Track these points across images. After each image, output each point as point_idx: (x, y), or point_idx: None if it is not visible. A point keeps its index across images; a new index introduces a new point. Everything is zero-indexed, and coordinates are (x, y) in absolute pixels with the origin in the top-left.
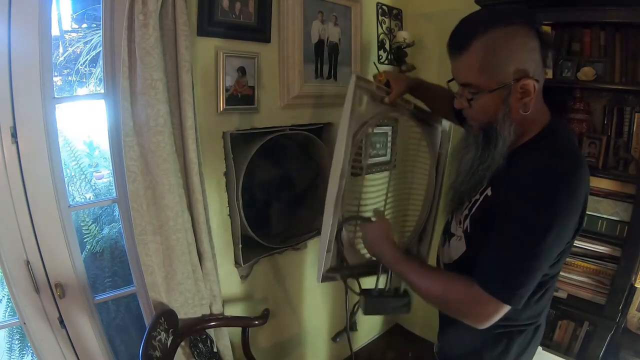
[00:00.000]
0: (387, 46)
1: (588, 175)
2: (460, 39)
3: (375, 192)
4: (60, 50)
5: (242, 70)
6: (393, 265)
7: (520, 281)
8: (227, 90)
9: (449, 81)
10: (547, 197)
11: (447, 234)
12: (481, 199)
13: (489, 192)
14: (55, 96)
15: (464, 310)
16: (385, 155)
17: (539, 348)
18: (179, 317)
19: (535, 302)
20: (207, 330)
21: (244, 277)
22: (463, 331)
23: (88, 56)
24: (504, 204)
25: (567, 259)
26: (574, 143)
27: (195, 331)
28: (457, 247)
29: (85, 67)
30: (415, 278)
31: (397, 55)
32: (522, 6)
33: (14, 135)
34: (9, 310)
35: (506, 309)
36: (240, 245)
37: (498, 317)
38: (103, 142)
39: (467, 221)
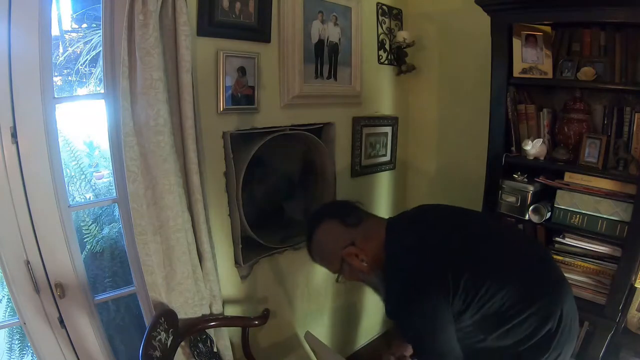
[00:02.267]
0: (387, 46)
1: (440, 242)
2: (309, 254)
3: None
4: (60, 50)
5: (242, 70)
6: None
7: (440, 349)
8: (227, 90)
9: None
10: (418, 315)
11: None
12: None
13: None
14: (55, 96)
15: None
16: (385, 155)
17: None
18: (179, 317)
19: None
20: (207, 330)
21: (244, 277)
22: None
23: (88, 56)
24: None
25: (567, 259)
26: (408, 238)
27: (195, 331)
28: None
29: (85, 67)
30: None
31: (397, 55)
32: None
33: (14, 135)
34: (9, 310)
35: None
36: (240, 245)
37: None
38: (103, 142)
39: None
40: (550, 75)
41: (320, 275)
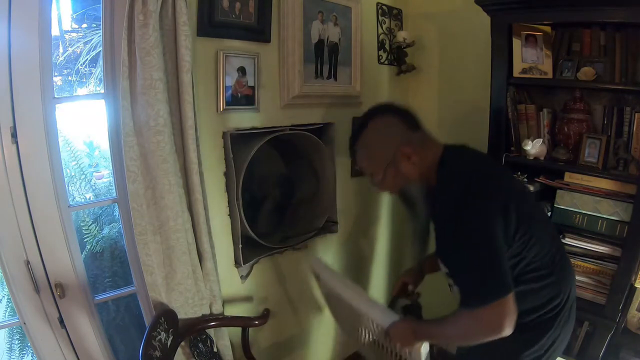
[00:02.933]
0: (387, 46)
1: (501, 181)
2: (350, 147)
3: None
4: (60, 50)
5: (242, 70)
6: (425, 339)
7: (492, 275)
8: (227, 90)
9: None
10: (469, 226)
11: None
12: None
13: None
14: (55, 96)
15: (484, 331)
16: None
17: None
18: (179, 317)
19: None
20: (207, 330)
21: (244, 277)
22: None
23: (88, 56)
24: (443, 239)
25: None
26: (469, 161)
27: (195, 331)
28: (456, 290)
29: (85, 67)
30: (440, 337)
31: (397, 55)
32: (382, 103)
33: (14, 135)
34: (9, 310)
35: (508, 300)
36: (240, 245)
37: (510, 315)
38: (103, 142)
39: (442, 264)
40: (550, 75)
41: None
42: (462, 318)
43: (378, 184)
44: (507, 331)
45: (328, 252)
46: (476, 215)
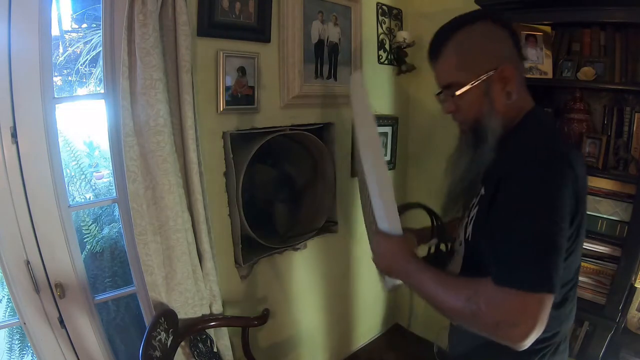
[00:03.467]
0: (387, 46)
1: (577, 157)
2: (434, 47)
3: None
4: (60, 50)
5: (242, 70)
6: (407, 278)
7: (546, 261)
8: (227, 90)
9: (438, 94)
10: (539, 180)
11: (453, 253)
12: (477, 201)
13: (482, 191)
14: (55, 96)
15: (492, 319)
16: (385, 155)
17: None
18: (179, 317)
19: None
20: (207, 330)
21: (244, 277)
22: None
23: (88, 56)
24: (502, 194)
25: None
26: (555, 130)
27: (195, 331)
28: (458, 261)
29: (85, 67)
30: (431, 289)
31: (397, 55)
32: (486, 7)
33: (14, 135)
34: (9, 310)
35: (547, 300)
36: (240, 245)
37: (538, 320)
38: (103, 142)
39: (470, 228)
40: (550, 75)
41: (320, 275)
42: (475, 288)
43: (454, 103)
44: (522, 338)
45: (328, 252)
46: (552, 182)
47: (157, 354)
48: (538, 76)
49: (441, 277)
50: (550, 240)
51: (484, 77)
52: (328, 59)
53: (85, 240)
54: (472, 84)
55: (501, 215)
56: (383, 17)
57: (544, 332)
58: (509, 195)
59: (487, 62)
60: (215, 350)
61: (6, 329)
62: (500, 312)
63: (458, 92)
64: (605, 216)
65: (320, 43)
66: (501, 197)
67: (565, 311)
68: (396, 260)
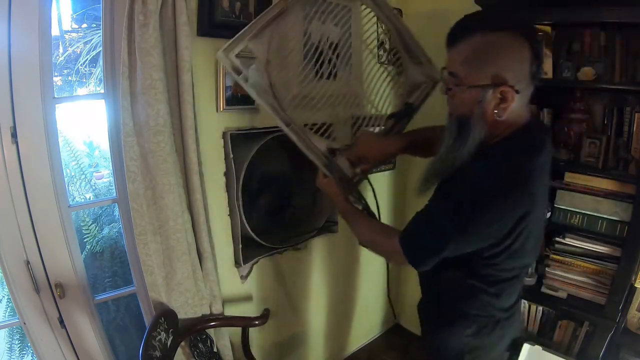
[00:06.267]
0: (387, 46)
1: (529, 186)
2: (458, 31)
3: None
4: (60, 50)
5: None
6: (340, 207)
7: (427, 246)
8: (227, 90)
9: (444, 68)
10: (484, 192)
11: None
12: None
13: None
14: (55, 96)
15: (385, 255)
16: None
17: (539, 348)
18: (179, 317)
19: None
20: (207, 330)
21: (244, 277)
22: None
23: (88, 56)
24: (449, 181)
25: (567, 259)
26: (534, 150)
27: (195, 331)
28: None
29: (85, 67)
30: (355, 224)
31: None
32: (524, 16)
33: (14, 135)
34: (9, 310)
35: (410, 263)
36: (240, 245)
37: (406, 265)
38: (103, 142)
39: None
40: (550, 75)
41: (321, 275)
42: (390, 232)
43: (454, 91)
44: (398, 266)
45: (328, 252)
46: (491, 202)
47: (157, 354)
48: None
49: (362, 218)
50: (442, 236)
51: (482, 85)
52: (327, 58)
53: (85, 240)
54: (468, 86)
55: (435, 194)
56: None
57: (478, 311)
58: (451, 182)
59: (493, 75)
60: (215, 350)
61: (6, 329)
62: (390, 252)
63: (454, 86)
64: (605, 216)
65: (319, 43)
66: (445, 182)
67: (500, 301)
68: (336, 196)
